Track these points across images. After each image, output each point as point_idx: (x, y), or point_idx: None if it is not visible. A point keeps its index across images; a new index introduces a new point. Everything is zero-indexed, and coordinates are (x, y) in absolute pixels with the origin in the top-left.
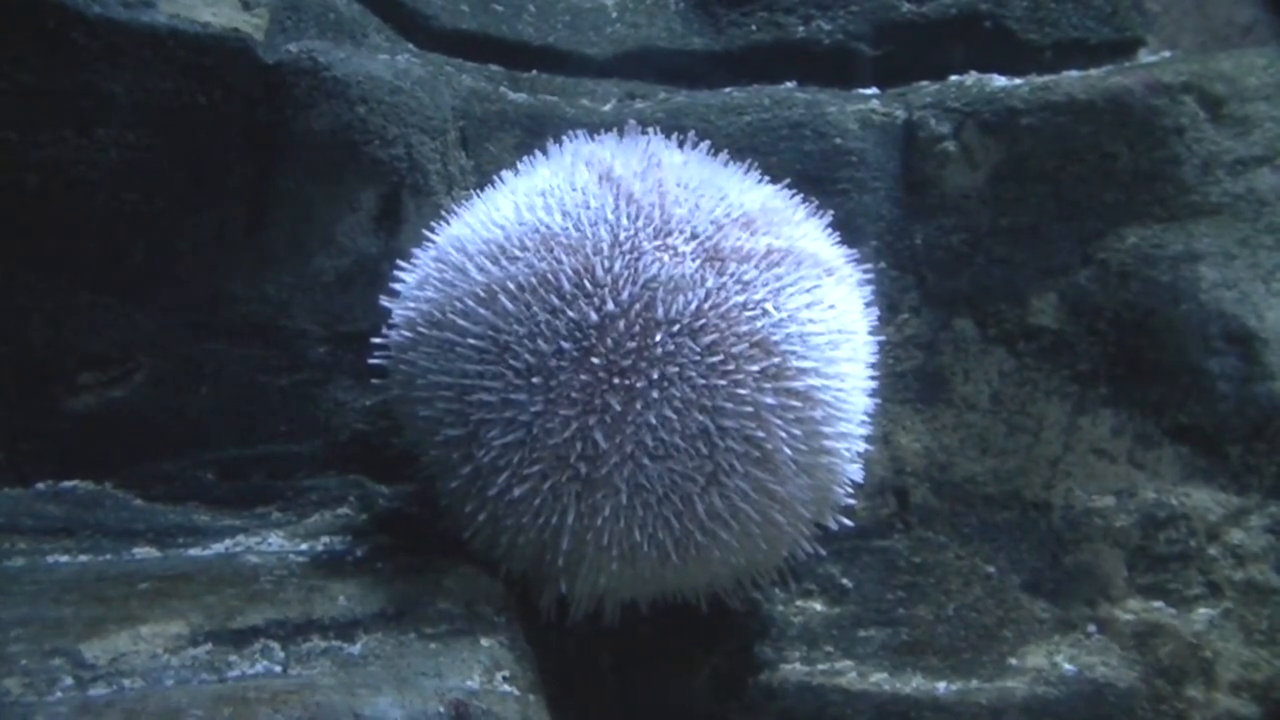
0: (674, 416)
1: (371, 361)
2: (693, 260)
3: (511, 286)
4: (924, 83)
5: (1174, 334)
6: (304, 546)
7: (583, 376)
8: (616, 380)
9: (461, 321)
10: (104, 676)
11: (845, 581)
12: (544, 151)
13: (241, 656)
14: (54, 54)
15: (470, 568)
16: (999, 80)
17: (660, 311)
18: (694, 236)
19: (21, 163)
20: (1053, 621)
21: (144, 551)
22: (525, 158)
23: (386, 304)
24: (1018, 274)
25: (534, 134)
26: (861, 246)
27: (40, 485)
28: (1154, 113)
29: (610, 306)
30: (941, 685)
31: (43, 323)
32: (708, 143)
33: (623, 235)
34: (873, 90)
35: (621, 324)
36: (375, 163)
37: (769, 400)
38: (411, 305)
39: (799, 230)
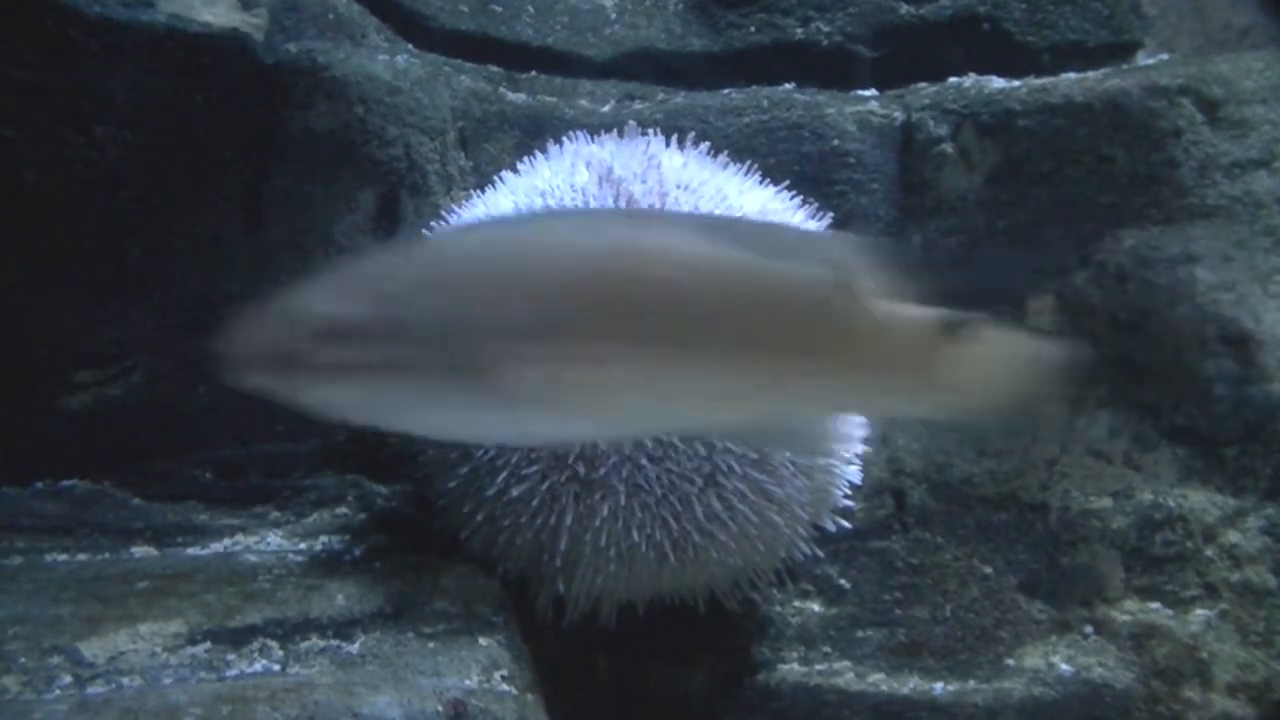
0: None
1: None
2: None
3: None
4: (922, 84)
5: (1171, 336)
6: (302, 546)
7: None
8: None
9: None
10: (102, 675)
11: (843, 582)
12: (543, 152)
13: (240, 655)
14: (53, 53)
15: (467, 568)
16: (997, 82)
17: None
18: None
19: (19, 161)
20: (1050, 622)
21: (142, 550)
22: (524, 158)
23: None
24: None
25: (533, 134)
26: None
27: (38, 484)
28: (1151, 115)
29: None
30: (938, 686)
31: (39, 321)
32: (707, 144)
33: None
34: (871, 92)
35: None
36: (374, 163)
37: None
38: None
39: None
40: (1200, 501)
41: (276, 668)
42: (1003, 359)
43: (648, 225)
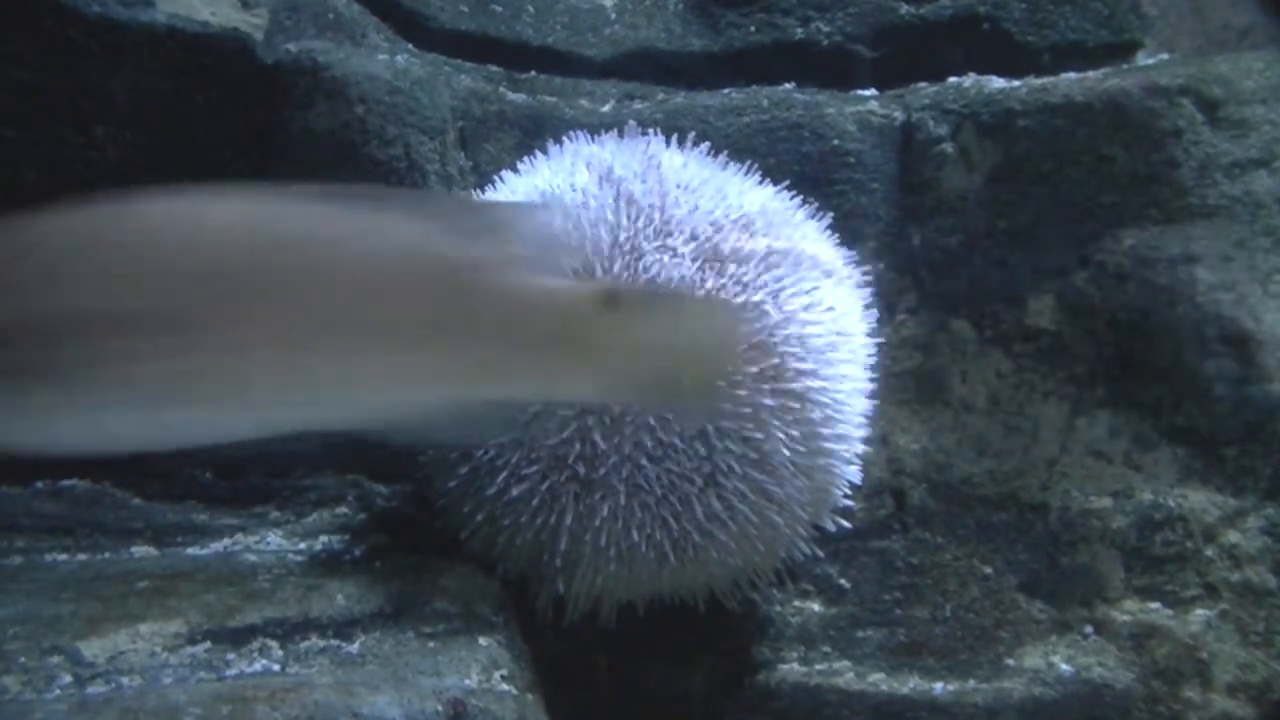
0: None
1: None
2: (692, 261)
3: None
4: (922, 84)
5: (1171, 336)
6: (302, 545)
7: None
8: None
9: None
10: (102, 674)
11: (843, 582)
12: (543, 152)
13: (240, 655)
14: (53, 53)
15: (467, 567)
16: (997, 82)
17: None
18: (693, 238)
19: (19, 161)
20: (1050, 622)
21: (142, 550)
22: (524, 158)
23: None
24: (1015, 276)
25: (533, 134)
26: (860, 248)
27: (38, 484)
28: (1151, 115)
29: None
30: (938, 686)
31: None
32: (707, 144)
33: (622, 236)
34: (871, 92)
35: None
36: (374, 163)
37: (767, 401)
38: None
39: (798, 232)
40: (1200, 501)
41: (276, 667)
42: (668, 329)
43: (280, 200)
